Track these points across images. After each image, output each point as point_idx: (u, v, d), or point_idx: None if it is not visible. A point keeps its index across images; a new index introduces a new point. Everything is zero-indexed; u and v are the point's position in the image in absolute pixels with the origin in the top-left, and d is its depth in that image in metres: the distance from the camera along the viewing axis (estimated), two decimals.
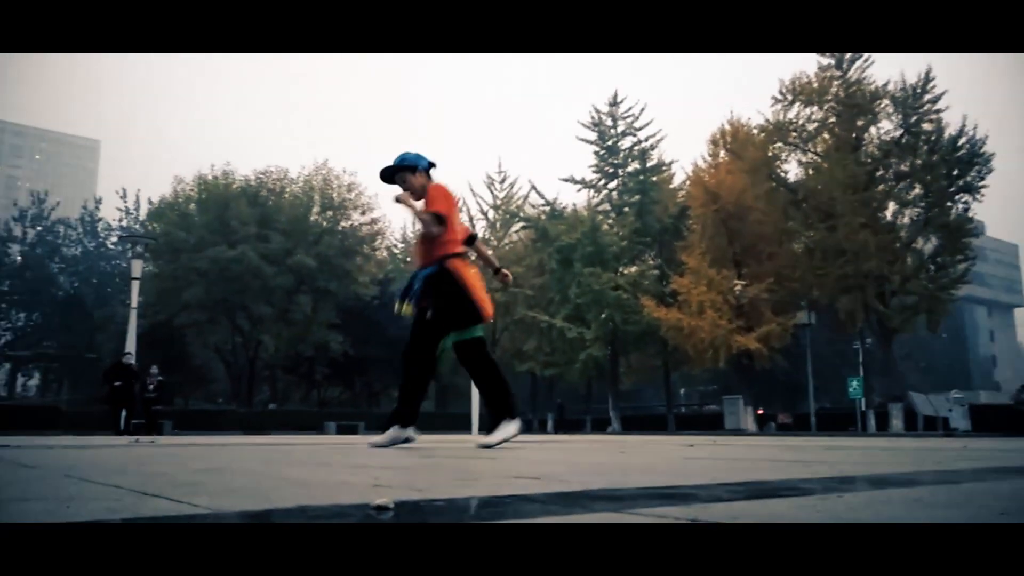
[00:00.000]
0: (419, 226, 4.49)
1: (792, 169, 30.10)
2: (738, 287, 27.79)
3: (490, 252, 5.00)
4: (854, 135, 27.10)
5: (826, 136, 28.05)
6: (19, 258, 48.60)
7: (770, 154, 28.90)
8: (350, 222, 37.33)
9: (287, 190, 36.62)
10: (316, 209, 36.65)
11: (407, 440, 4.28)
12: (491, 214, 39.50)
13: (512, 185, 39.43)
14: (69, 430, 24.33)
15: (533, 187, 36.74)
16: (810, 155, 28.90)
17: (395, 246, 42.91)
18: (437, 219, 4.29)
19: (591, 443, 6.28)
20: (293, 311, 34.07)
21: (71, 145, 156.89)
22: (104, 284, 47.84)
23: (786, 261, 28.45)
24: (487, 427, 4.34)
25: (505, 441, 4.18)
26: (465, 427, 25.05)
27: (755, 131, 29.50)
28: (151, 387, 16.82)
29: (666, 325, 28.56)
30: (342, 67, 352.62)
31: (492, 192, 39.49)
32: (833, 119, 27.61)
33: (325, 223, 36.37)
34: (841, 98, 27.08)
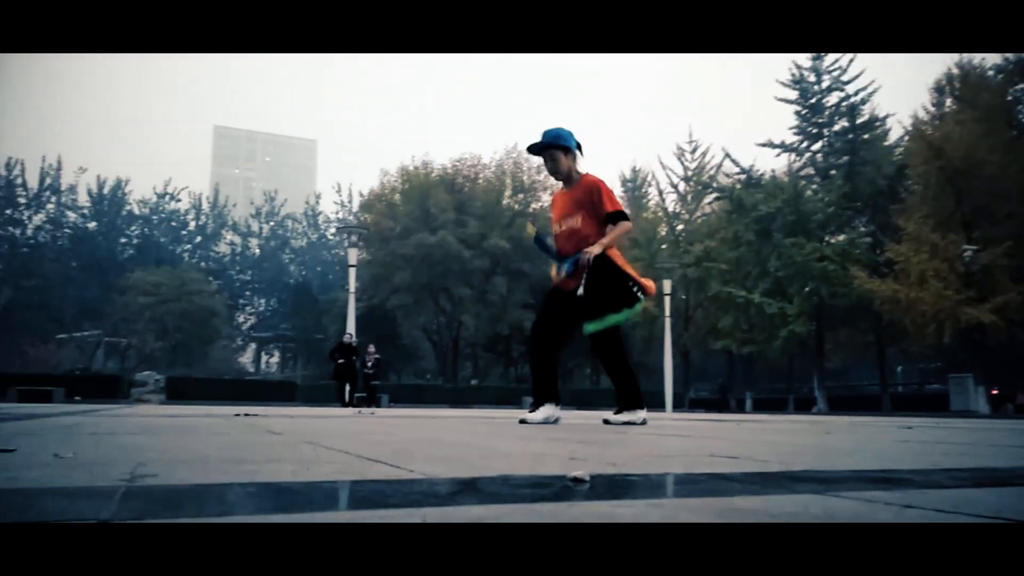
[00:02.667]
0: (567, 223, 4.41)
1: None
2: (968, 253, 24.66)
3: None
4: None
5: None
6: (257, 251, 55.45)
7: (1010, 98, 25.35)
8: (540, 203, 38.16)
9: (481, 176, 38.20)
10: (508, 193, 37.91)
11: (557, 420, 4.31)
12: (682, 186, 38.41)
13: (704, 154, 38.02)
14: (304, 402, 27.47)
15: (727, 155, 35.16)
16: None
17: None
18: (624, 215, 4.28)
19: (793, 423, 5.96)
20: (490, 292, 35.61)
21: (293, 146, 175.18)
22: (326, 272, 53.16)
23: None
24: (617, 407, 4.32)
25: (629, 424, 4.14)
26: (658, 405, 24.76)
27: (991, 72, 26.01)
28: (370, 364, 18.48)
29: (880, 297, 26.18)
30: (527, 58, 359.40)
31: (683, 163, 38.37)
32: None
33: (517, 206, 37.52)
34: None
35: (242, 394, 26.63)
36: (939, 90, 28.32)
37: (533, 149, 4.40)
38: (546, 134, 4.37)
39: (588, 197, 4.31)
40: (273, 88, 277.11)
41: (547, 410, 4.26)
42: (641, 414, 4.21)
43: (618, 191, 41.02)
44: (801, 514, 0.96)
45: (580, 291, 4.19)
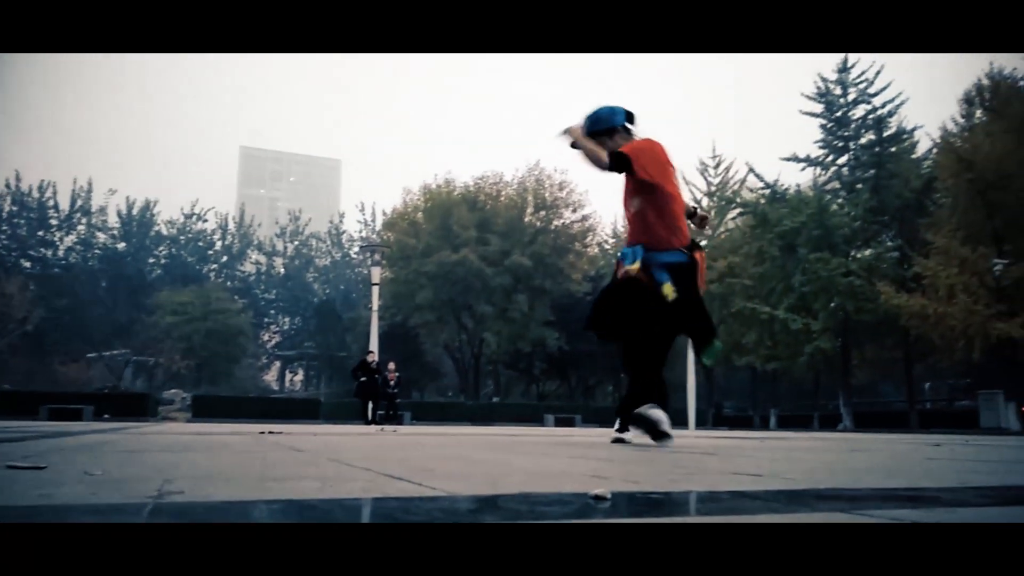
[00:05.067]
0: (640, 201, 3.68)
1: None
2: (999, 267, 24.21)
3: None
4: None
5: None
6: (282, 270, 56.12)
7: None
8: (562, 220, 38.19)
9: (503, 193, 38.34)
10: (530, 210, 37.99)
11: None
12: (705, 201, 38.19)
13: (728, 169, 37.85)
14: (327, 419, 27.57)
15: (751, 170, 34.90)
16: None
17: (606, 242, 43.11)
18: (618, 158, 3.54)
19: (818, 441, 5.88)
20: (512, 309, 35.58)
21: (318, 165, 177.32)
22: (349, 290, 53.60)
23: None
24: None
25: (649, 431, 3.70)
26: (682, 422, 24.46)
27: (1022, 83, 25.62)
28: (392, 382, 18.57)
29: (908, 313, 25.76)
30: (550, 71, 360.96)
31: (706, 178, 38.21)
32: None
33: (539, 223, 37.57)
34: None
35: (267, 412, 26.82)
36: (968, 101, 27.93)
37: (576, 145, 3.74)
38: (585, 120, 3.80)
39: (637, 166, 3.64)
40: (299, 109, 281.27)
41: (654, 413, 3.66)
42: (658, 412, 3.68)
43: None
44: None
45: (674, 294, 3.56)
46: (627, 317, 3.69)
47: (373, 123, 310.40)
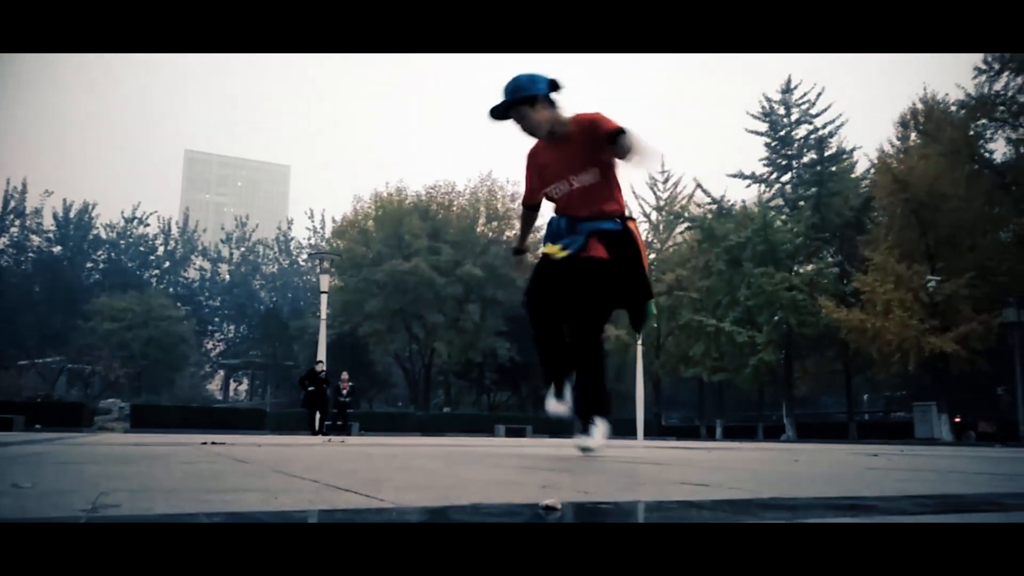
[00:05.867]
0: (578, 180, 3.35)
1: (999, 148, 27.05)
2: (931, 283, 25.24)
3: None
4: None
5: None
6: (227, 277, 54.85)
7: (972, 133, 26.08)
8: (515, 231, 38.31)
9: (455, 203, 38.33)
10: (482, 220, 38.05)
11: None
12: (654, 216, 38.87)
13: (676, 185, 38.60)
14: (273, 430, 27.01)
15: (698, 185, 35.72)
16: (1022, 131, 25.64)
17: None
18: (631, 142, 3.16)
19: (763, 451, 6.01)
20: (463, 319, 35.50)
21: (266, 171, 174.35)
22: (297, 298, 52.70)
23: (990, 253, 25.51)
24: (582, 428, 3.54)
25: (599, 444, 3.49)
26: (630, 432, 24.75)
27: (953, 108, 26.84)
28: (344, 392, 18.34)
29: (847, 327, 26.63)
30: (500, 76, 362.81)
31: (655, 193, 38.88)
32: None
33: (491, 233, 37.65)
34: None
35: (210, 422, 26.11)
36: (904, 124, 29.12)
37: (497, 113, 3.33)
38: (505, 89, 3.30)
39: (592, 141, 3.26)
40: (247, 113, 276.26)
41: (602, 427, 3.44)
42: (606, 424, 3.49)
43: None
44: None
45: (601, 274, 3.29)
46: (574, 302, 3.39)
47: (324, 129, 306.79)
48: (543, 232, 3.64)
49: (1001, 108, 25.38)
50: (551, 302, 3.42)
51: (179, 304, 46.36)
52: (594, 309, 3.38)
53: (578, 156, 3.31)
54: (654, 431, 33.29)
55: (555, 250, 3.33)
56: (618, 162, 3.36)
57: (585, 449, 3.46)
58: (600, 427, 3.45)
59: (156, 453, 3.34)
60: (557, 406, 3.55)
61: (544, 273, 3.44)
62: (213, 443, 4.88)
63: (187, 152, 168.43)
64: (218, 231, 59.77)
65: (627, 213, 3.45)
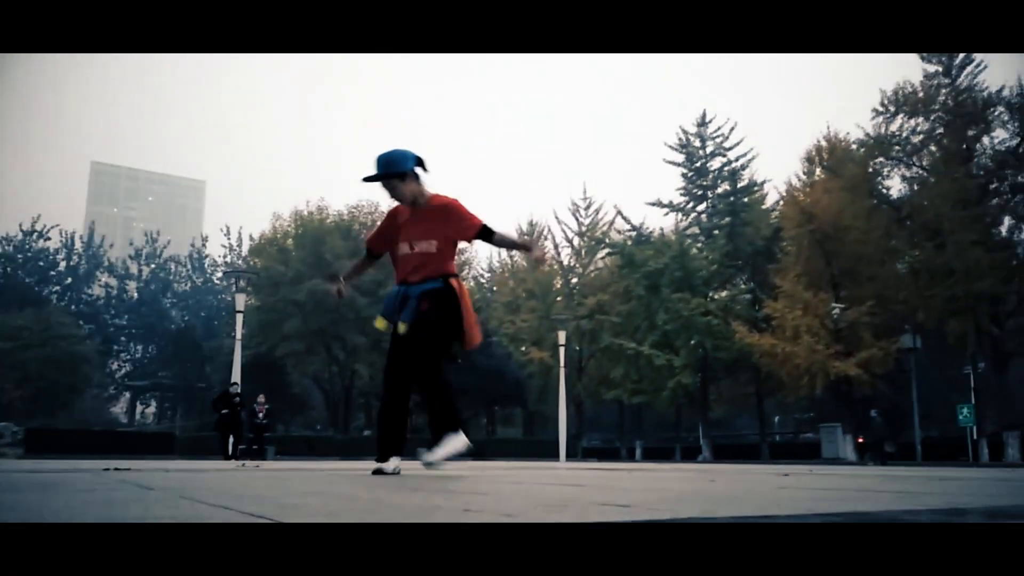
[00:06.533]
0: (419, 247, 3.99)
1: (895, 185, 28.77)
2: (836, 311, 26.60)
3: (510, 233, 4.51)
4: (964, 146, 25.49)
5: (933, 148, 26.52)
6: (136, 294, 52.30)
7: (871, 170, 27.68)
8: None
9: (378, 223, 37.83)
10: None
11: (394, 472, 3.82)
12: (576, 241, 39.53)
13: (598, 211, 39.38)
14: (183, 455, 25.78)
15: (619, 212, 36.56)
16: (915, 169, 27.47)
17: (481, 276, 43.51)
18: (486, 232, 4.01)
19: (680, 472, 6.14)
20: (386, 341, 34.80)
21: (180, 186, 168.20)
22: (211, 317, 50.73)
23: (889, 282, 27.06)
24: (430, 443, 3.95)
25: (450, 457, 3.86)
26: (553, 454, 24.89)
27: (854, 146, 28.41)
28: (261, 414, 17.71)
29: (759, 351, 27.67)
30: (429, 99, 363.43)
31: (577, 219, 39.55)
32: (941, 130, 26.04)
33: None
34: (950, 107, 25.54)
35: (113, 447, 24.66)
36: (810, 160, 30.58)
37: (371, 179, 3.98)
38: (378, 162, 3.94)
39: (445, 221, 3.97)
40: (158, 124, 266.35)
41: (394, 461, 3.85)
42: (462, 437, 3.88)
43: None
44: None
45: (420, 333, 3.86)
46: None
47: (242, 145, 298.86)
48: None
49: (896, 148, 27.13)
50: (407, 373, 3.95)
51: (81, 322, 43.84)
52: (429, 359, 3.93)
53: (427, 228, 3.97)
54: (576, 453, 33.57)
55: (402, 328, 3.88)
56: (460, 242, 4.18)
57: (427, 464, 3.90)
58: (447, 445, 3.87)
59: (51, 480, 3.12)
60: (429, 455, 3.93)
61: (397, 348, 3.98)
62: (116, 469, 4.61)
63: (93, 164, 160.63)
64: (126, 247, 57.06)
65: (453, 272, 4.04)
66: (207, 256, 54.58)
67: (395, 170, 3.92)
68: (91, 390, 44.20)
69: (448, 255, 4.06)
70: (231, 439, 15.96)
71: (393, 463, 3.83)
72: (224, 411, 16.09)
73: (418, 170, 4.01)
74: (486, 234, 4.02)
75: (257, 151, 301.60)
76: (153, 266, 53.50)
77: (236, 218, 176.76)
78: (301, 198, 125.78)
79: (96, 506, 1.80)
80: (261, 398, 18.18)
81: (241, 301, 20.00)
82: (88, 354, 39.46)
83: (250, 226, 53.89)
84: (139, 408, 55.28)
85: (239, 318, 19.79)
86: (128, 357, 52.67)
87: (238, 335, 19.50)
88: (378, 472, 3.79)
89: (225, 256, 47.45)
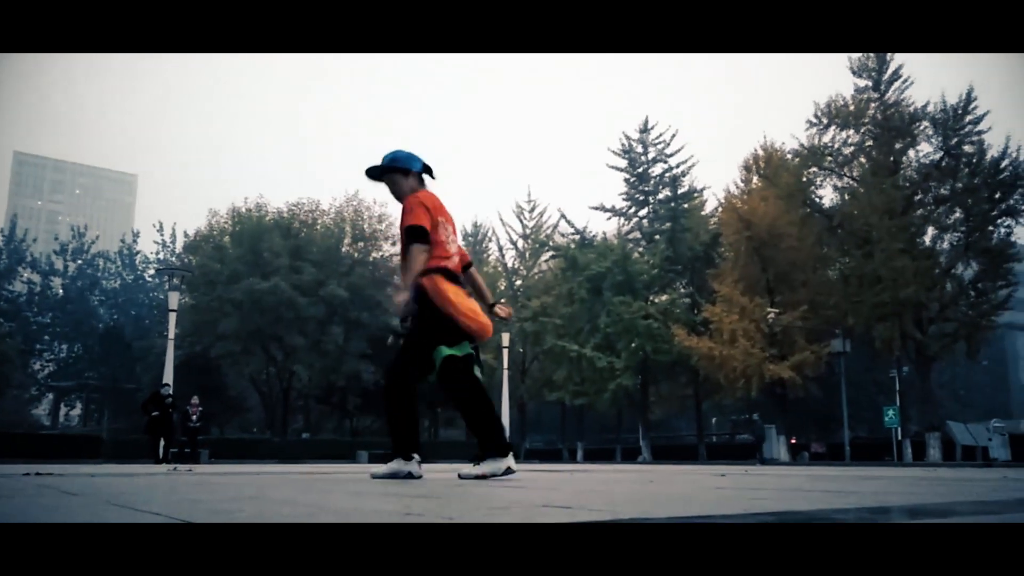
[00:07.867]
0: (400, 247, 3.97)
1: (827, 194, 29.83)
2: (771, 315, 27.41)
3: (483, 283, 4.45)
4: (892, 159, 26.61)
5: (863, 160, 27.63)
6: (61, 291, 49.98)
7: (804, 179, 28.58)
8: (381, 252, 37.76)
9: (319, 222, 37.21)
10: (347, 240, 37.16)
11: (409, 475, 3.81)
12: (520, 243, 39.71)
13: (542, 214, 39.66)
14: (110, 459, 24.77)
15: (563, 216, 36.89)
16: (846, 180, 28.55)
17: None
18: (413, 234, 3.76)
19: (621, 473, 6.22)
20: (325, 341, 34.38)
21: (109, 179, 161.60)
22: (142, 316, 48.86)
23: (820, 288, 28.03)
24: (474, 456, 3.84)
25: (484, 477, 3.71)
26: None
27: (789, 156, 29.25)
28: (194, 417, 17.18)
29: (697, 354, 28.27)
30: (372, 99, 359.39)
31: (521, 221, 39.74)
32: (870, 142, 27.17)
33: (356, 254, 36.83)
34: (879, 120, 26.68)
35: (35, 451, 23.55)
36: (747, 168, 31.45)
37: (372, 174, 4.06)
38: (384, 157, 4.07)
39: (402, 217, 3.94)
40: (87, 116, 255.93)
41: (396, 464, 3.82)
42: (504, 463, 3.73)
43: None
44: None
45: (400, 340, 3.98)
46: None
47: (176, 138, 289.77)
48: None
49: (829, 158, 28.15)
50: (407, 373, 3.96)
51: (1, 320, 41.70)
52: (417, 361, 3.88)
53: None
54: (518, 454, 33.61)
55: (391, 339, 4.06)
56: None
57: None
58: (392, 463, 3.87)
59: None
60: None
61: (398, 352, 4.05)
62: (38, 474, 4.40)
63: (16, 154, 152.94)
64: (51, 241, 54.49)
65: (429, 267, 3.84)
66: (138, 253, 52.51)
67: (399, 166, 4.03)
68: (11, 391, 42.06)
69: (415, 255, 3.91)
70: (162, 442, 15.46)
71: (414, 464, 3.86)
72: (155, 413, 15.59)
73: (425, 176, 4.11)
74: (414, 239, 3.80)
75: (192, 146, 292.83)
76: (80, 262, 51.18)
77: (170, 214, 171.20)
78: (239, 194, 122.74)
79: (14, 514, 1.71)
80: (195, 400, 17.68)
81: (174, 299, 19.37)
82: (8, 353, 37.53)
83: (185, 222, 52.30)
84: (63, 410, 52.86)
85: (172, 317, 19.16)
86: (52, 356, 50.27)
87: (171, 334, 18.87)
88: (408, 475, 3.82)
89: (158, 253, 45.87)
